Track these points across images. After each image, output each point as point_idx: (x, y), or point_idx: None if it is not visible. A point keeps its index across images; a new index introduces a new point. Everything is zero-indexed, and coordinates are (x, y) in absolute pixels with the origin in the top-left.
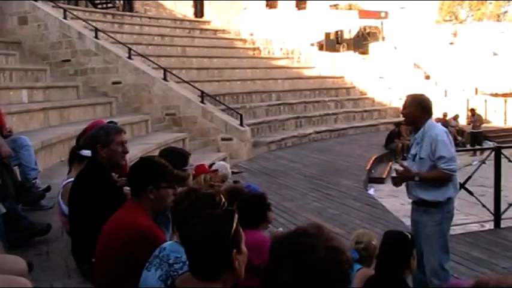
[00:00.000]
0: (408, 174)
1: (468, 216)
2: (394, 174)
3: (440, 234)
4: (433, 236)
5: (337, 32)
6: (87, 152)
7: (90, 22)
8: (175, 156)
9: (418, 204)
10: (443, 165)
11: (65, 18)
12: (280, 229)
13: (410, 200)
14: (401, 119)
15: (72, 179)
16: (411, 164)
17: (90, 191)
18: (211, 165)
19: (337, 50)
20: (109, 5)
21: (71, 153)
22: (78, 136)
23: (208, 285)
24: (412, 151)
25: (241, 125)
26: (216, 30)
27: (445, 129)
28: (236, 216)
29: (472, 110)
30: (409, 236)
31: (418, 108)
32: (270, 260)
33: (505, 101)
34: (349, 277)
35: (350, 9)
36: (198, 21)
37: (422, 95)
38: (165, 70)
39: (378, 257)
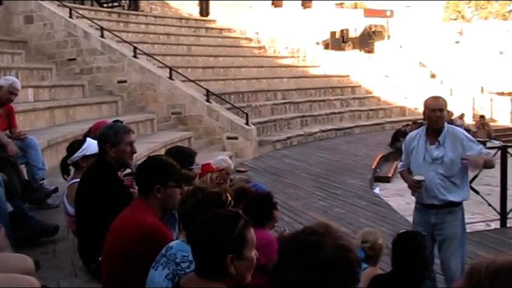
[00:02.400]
0: (479, 160)
1: (474, 215)
2: (418, 178)
3: (463, 228)
4: (458, 233)
5: (342, 30)
6: (76, 156)
7: (95, 21)
8: (182, 155)
9: (439, 207)
10: (484, 151)
11: (70, 17)
12: (287, 230)
13: (414, 199)
14: (407, 118)
15: (77, 179)
16: (430, 166)
17: (97, 190)
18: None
19: (343, 49)
20: (114, 4)
21: (62, 165)
22: (85, 135)
23: (211, 284)
24: (435, 154)
25: (246, 123)
26: (221, 29)
27: None
28: (242, 221)
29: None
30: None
31: (446, 111)
32: (279, 258)
33: (511, 100)
34: (357, 276)
35: (355, 7)
36: (203, 20)
37: None
38: (170, 69)
39: (396, 259)
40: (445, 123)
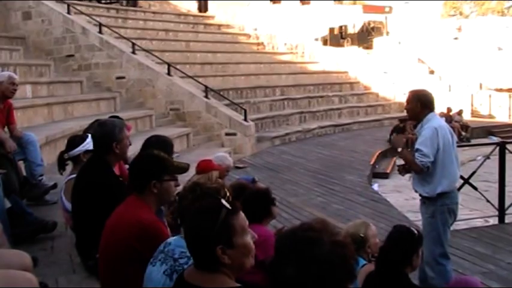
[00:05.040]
0: (399, 141)
1: (472, 211)
2: (399, 163)
3: (433, 227)
4: (427, 227)
5: (341, 26)
6: (78, 150)
7: (93, 17)
8: (162, 145)
9: (420, 196)
10: (417, 155)
11: (68, 13)
12: (286, 228)
13: (413, 196)
14: (406, 114)
15: (74, 175)
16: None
17: (93, 187)
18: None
19: (341, 45)
20: (113, 0)
21: (59, 159)
22: (85, 131)
23: (211, 275)
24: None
25: (245, 120)
26: (220, 25)
27: (439, 125)
28: (225, 210)
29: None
30: (416, 233)
31: (417, 104)
32: (276, 254)
33: (510, 96)
34: (354, 271)
35: (354, 4)
36: (202, 16)
37: (422, 90)
38: (169, 65)
39: (380, 250)
40: (430, 115)
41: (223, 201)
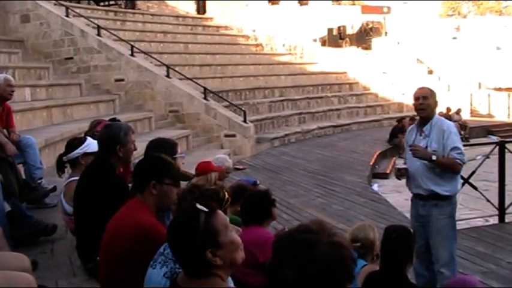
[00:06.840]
0: (425, 152)
1: (472, 211)
2: (398, 166)
3: (451, 226)
4: (445, 228)
5: (339, 27)
6: (76, 153)
7: (92, 20)
8: (164, 145)
9: (427, 199)
10: (456, 154)
11: (67, 16)
12: (286, 229)
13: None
14: (405, 114)
15: (75, 178)
16: (413, 157)
17: (97, 189)
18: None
19: (340, 46)
20: (111, 2)
21: (58, 162)
22: (85, 133)
23: (204, 280)
24: (420, 144)
25: (244, 121)
26: (218, 27)
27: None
28: (203, 214)
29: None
30: (411, 230)
31: (434, 101)
32: (273, 257)
33: (509, 95)
34: (352, 273)
35: (353, 4)
36: (200, 18)
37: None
38: (167, 67)
39: (384, 253)
40: (436, 115)
41: (198, 205)
